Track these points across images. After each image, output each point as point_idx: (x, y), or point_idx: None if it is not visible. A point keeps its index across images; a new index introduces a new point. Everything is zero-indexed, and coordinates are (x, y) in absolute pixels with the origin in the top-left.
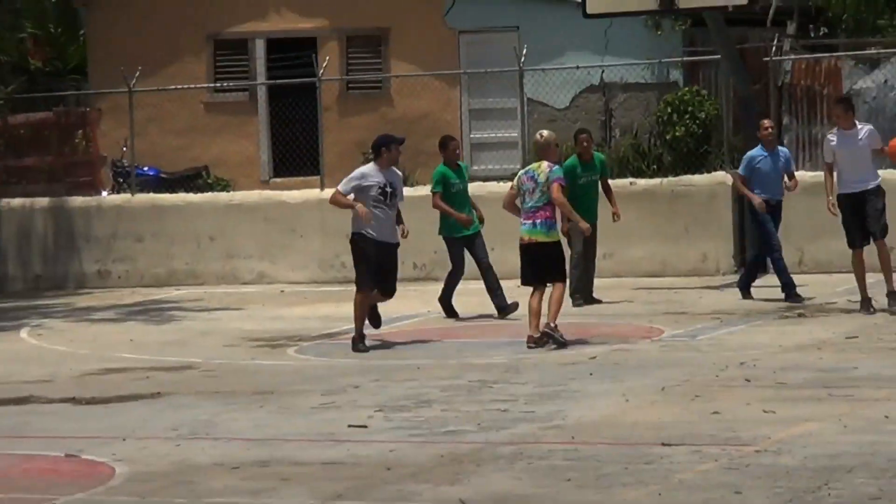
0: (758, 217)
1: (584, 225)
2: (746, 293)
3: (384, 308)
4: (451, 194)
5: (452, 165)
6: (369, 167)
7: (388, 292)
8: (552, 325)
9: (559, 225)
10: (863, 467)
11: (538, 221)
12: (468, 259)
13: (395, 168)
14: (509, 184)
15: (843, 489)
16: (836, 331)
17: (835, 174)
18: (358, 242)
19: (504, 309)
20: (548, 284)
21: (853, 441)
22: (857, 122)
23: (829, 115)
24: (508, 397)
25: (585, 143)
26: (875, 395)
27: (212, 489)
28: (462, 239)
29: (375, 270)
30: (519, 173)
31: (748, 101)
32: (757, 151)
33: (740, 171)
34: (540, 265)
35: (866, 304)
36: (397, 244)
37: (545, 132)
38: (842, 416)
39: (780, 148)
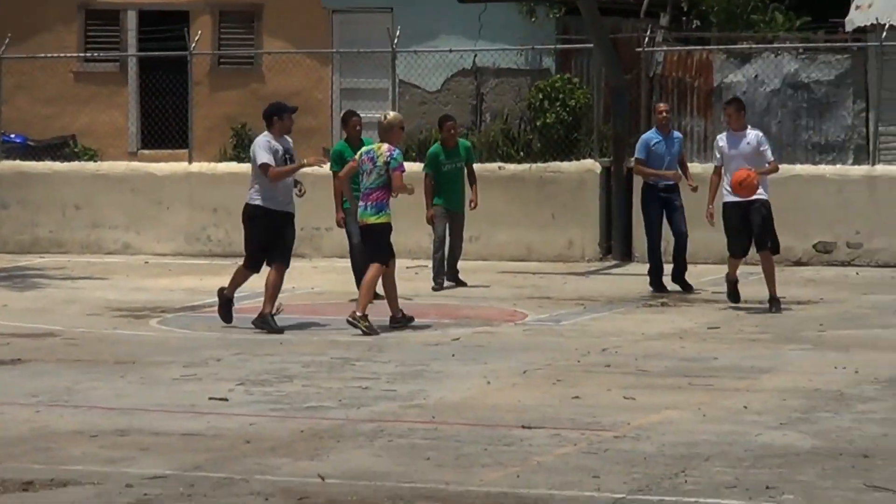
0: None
1: (429, 213)
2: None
3: (251, 284)
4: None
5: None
6: (265, 137)
7: (287, 263)
8: (357, 314)
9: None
10: (720, 456)
11: (369, 204)
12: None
13: (286, 136)
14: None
15: (699, 477)
16: (699, 321)
17: (724, 179)
18: (257, 216)
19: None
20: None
21: (711, 430)
22: (748, 126)
23: (700, 108)
24: (370, 375)
25: (452, 131)
26: (734, 385)
27: (70, 456)
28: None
29: (273, 242)
30: (361, 150)
31: (619, 90)
32: (651, 134)
33: (637, 154)
34: (366, 246)
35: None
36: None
37: (391, 113)
38: (701, 405)
39: (674, 132)
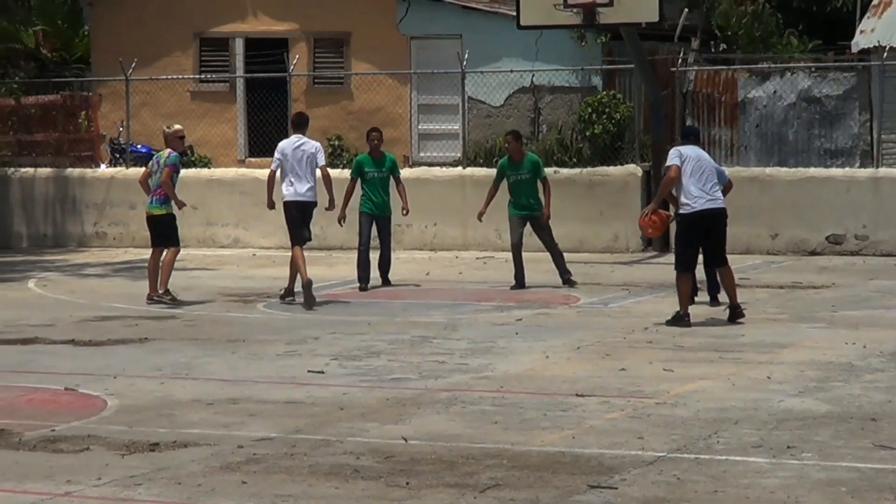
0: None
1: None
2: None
3: (336, 272)
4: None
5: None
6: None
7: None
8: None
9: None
10: (747, 420)
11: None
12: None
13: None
14: (453, 170)
15: (729, 438)
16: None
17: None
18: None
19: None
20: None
21: (739, 397)
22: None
23: (726, 119)
24: (446, 351)
25: (376, 141)
26: (759, 358)
27: (189, 421)
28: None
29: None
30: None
31: (657, 105)
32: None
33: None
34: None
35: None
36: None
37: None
38: (730, 375)
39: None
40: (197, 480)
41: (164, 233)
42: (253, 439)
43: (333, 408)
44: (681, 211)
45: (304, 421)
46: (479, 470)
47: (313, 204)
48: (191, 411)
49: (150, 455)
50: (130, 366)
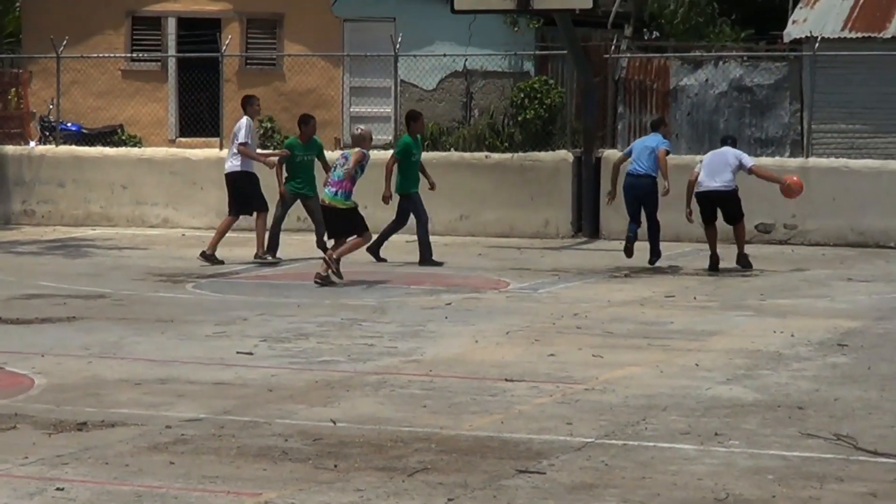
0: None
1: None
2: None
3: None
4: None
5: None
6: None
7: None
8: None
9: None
10: (675, 407)
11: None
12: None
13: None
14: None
15: (658, 425)
16: (657, 290)
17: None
18: None
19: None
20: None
21: (668, 384)
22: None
23: (658, 107)
24: (375, 334)
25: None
26: (687, 346)
27: (117, 401)
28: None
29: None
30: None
31: (589, 91)
32: None
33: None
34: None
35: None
36: None
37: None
38: (659, 362)
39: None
40: (125, 460)
41: (348, 224)
42: (181, 420)
43: (262, 389)
44: None
45: (233, 402)
46: (407, 453)
47: (229, 175)
48: (119, 391)
49: (78, 434)
50: (58, 345)
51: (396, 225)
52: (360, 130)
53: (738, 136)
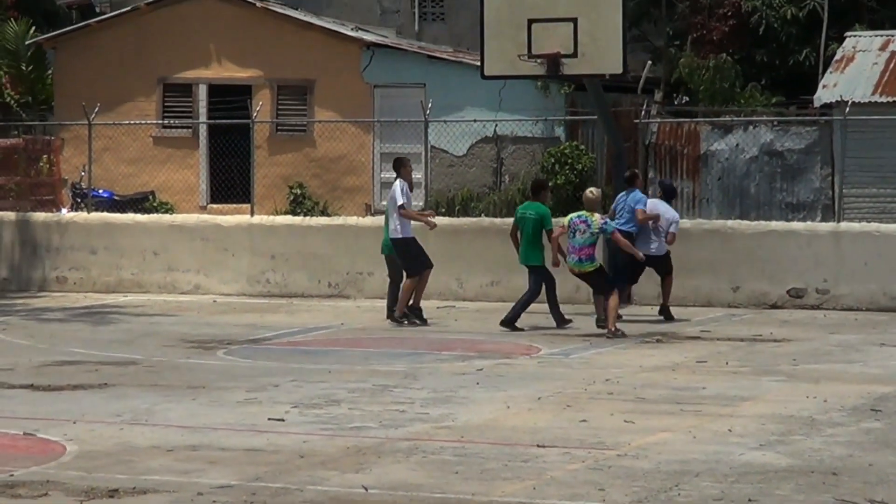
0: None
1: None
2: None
3: (297, 319)
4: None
5: None
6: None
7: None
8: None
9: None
10: (708, 473)
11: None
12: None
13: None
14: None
15: (691, 491)
16: (689, 355)
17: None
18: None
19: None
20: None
21: (700, 450)
22: None
23: (688, 172)
24: (406, 400)
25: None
26: (720, 411)
27: (149, 468)
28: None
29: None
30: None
31: (619, 156)
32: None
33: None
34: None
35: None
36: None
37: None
38: (691, 428)
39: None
40: None
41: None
42: (213, 487)
43: (293, 456)
44: None
45: (264, 469)
46: None
47: (394, 241)
48: (150, 458)
49: (109, 502)
50: (90, 411)
51: (532, 294)
52: (594, 193)
53: (769, 200)
